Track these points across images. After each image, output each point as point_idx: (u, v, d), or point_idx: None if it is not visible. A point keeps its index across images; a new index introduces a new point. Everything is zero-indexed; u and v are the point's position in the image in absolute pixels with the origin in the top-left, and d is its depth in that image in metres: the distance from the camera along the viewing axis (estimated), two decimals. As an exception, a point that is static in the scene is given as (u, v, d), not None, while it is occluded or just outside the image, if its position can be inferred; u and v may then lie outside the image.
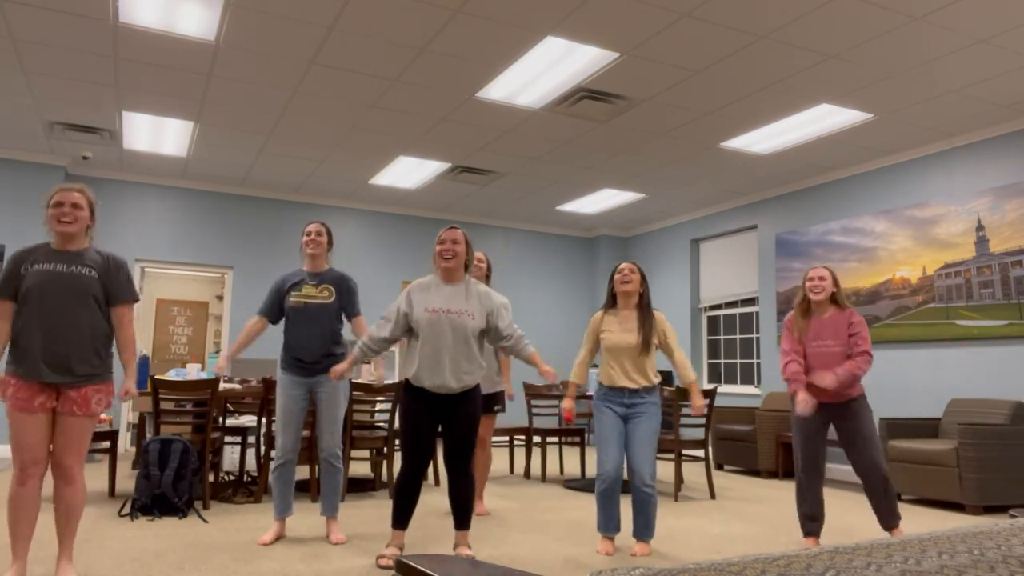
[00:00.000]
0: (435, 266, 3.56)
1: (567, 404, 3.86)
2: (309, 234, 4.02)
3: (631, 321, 3.81)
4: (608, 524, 3.77)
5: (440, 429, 3.51)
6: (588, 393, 6.22)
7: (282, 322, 4.05)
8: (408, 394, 3.48)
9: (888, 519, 3.79)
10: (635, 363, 3.77)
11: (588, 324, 4.01)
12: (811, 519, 3.90)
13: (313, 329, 3.89)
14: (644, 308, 3.86)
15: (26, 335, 2.86)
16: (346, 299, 4.02)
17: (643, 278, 3.90)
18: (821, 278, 3.90)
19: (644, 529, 3.74)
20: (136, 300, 3.09)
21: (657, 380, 3.82)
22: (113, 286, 3.02)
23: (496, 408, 4.68)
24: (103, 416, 5.80)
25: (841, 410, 3.86)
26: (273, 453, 3.90)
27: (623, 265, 3.91)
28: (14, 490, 2.87)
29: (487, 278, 4.78)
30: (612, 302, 3.93)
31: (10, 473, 5.86)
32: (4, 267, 2.92)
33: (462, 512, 3.49)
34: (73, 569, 2.98)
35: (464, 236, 3.56)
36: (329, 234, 4.10)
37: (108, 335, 3.03)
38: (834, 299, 3.92)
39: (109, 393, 3.03)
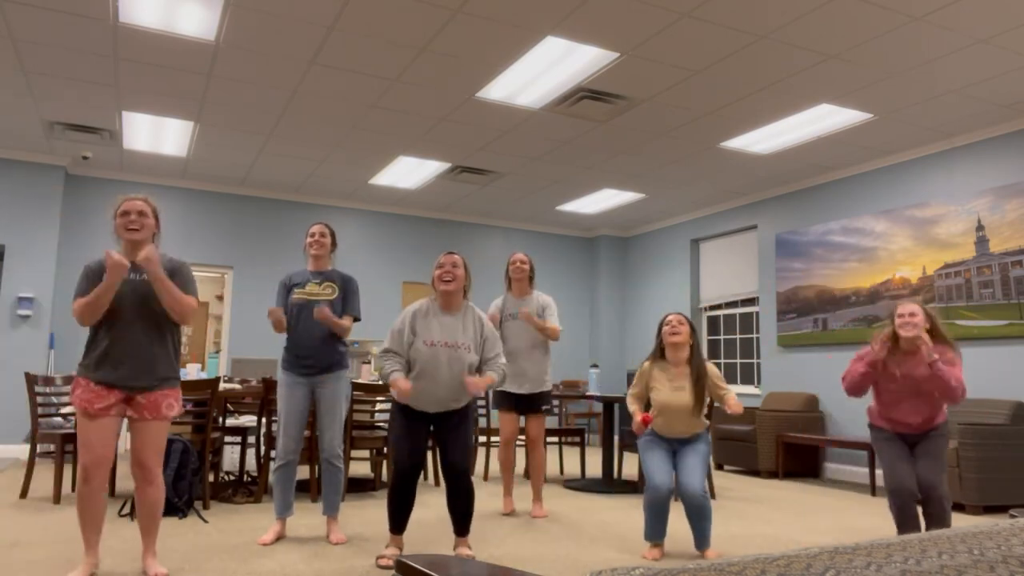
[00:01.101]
0: (434, 290, 3.55)
1: (644, 416, 3.74)
2: (313, 235, 4.02)
3: (682, 379, 3.75)
4: (656, 532, 3.71)
5: (436, 441, 3.56)
6: (589, 393, 6.21)
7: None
8: (397, 409, 3.51)
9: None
10: (687, 420, 3.74)
11: (637, 373, 3.92)
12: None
13: (314, 327, 3.86)
14: (696, 363, 3.78)
15: (99, 341, 3.01)
16: (349, 298, 4.01)
17: (692, 329, 3.83)
18: (912, 314, 3.57)
19: (703, 539, 3.67)
20: (195, 297, 3.20)
21: (707, 425, 3.83)
22: (180, 286, 3.14)
23: (544, 408, 4.71)
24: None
25: (920, 439, 3.70)
26: (274, 453, 3.90)
27: (671, 317, 3.82)
28: (79, 488, 3.01)
29: (530, 280, 4.85)
30: (660, 353, 3.86)
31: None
32: (81, 278, 3.06)
33: (461, 520, 3.49)
34: (158, 563, 3.10)
35: (463, 261, 3.56)
36: (333, 235, 4.09)
37: (175, 341, 3.19)
38: (933, 334, 3.59)
39: (178, 398, 3.17)
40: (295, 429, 3.85)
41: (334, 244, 4.10)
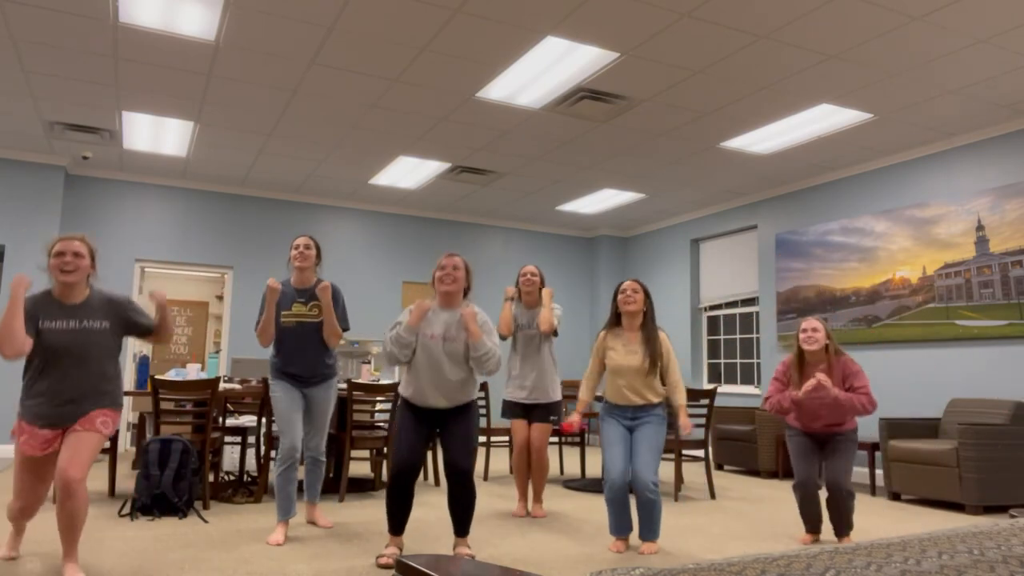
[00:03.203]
0: (434, 291, 3.62)
1: (575, 419, 3.95)
2: (298, 247, 4.00)
3: (635, 343, 3.84)
4: (620, 527, 3.82)
5: (439, 441, 3.59)
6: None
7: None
8: (404, 406, 3.59)
9: (840, 528, 4.03)
10: (640, 382, 3.80)
11: (593, 343, 4.03)
12: (812, 520, 4.13)
13: (306, 347, 3.99)
14: (648, 328, 3.86)
15: (39, 388, 3.04)
16: (337, 311, 4.04)
17: (647, 296, 3.89)
18: (815, 329, 4.03)
19: (649, 531, 3.78)
20: (151, 326, 3.25)
21: (662, 395, 3.85)
22: (130, 323, 3.19)
23: (552, 419, 4.77)
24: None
25: (829, 439, 4.07)
26: (275, 454, 3.93)
27: (626, 284, 3.90)
28: (15, 515, 3.13)
29: (540, 291, 4.86)
30: (616, 320, 3.94)
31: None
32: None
33: (461, 520, 3.50)
34: (79, 569, 3.03)
35: (464, 263, 3.63)
36: (318, 247, 4.09)
37: (116, 363, 3.20)
38: (827, 350, 4.04)
39: (116, 420, 3.16)
40: (295, 430, 3.91)
41: (319, 257, 4.08)
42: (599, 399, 4.19)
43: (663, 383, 3.84)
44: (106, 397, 3.12)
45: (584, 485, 5.92)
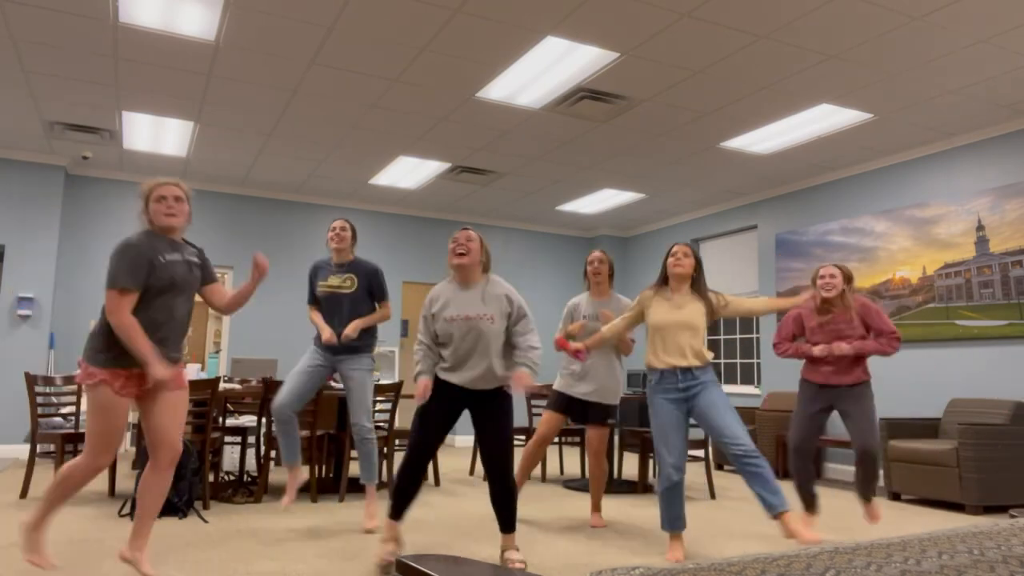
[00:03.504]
0: (450, 268, 3.48)
1: (579, 345, 3.80)
2: (334, 229, 4.29)
3: (682, 299, 3.64)
4: (675, 522, 3.58)
5: (474, 433, 3.52)
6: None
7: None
8: (435, 386, 3.41)
9: (864, 489, 4.01)
10: (686, 340, 3.55)
11: (636, 299, 3.81)
12: (808, 495, 4.15)
13: (336, 315, 4.24)
14: (698, 287, 3.68)
15: (142, 321, 2.87)
16: (373, 286, 4.32)
17: (698, 262, 3.70)
18: (832, 276, 4.02)
19: (776, 498, 3.33)
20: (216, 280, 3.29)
21: (711, 357, 3.62)
22: (207, 272, 3.20)
23: (609, 420, 4.43)
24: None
25: (845, 392, 4.03)
26: (275, 453, 4.02)
27: (676, 248, 3.69)
28: (91, 474, 2.90)
29: (610, 279, 4.51)
30: (664, 282, 3.73)
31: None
32: (127, 258, 2.85)
33: (503, 516, 3.39)
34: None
35: (479, 236, 3.48)
36: (353, 229, 4.38)
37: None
38: (843, 296, 4.04)
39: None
40: (290, 389, 4.15)
41: (354, 238, 4.39)
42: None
43: (754, 310, 3.64)
44: (183, 352, 3.09)
45: (584, 485, 5.91)
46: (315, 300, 4.36)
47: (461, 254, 3.40)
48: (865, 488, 4.01)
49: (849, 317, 4.03)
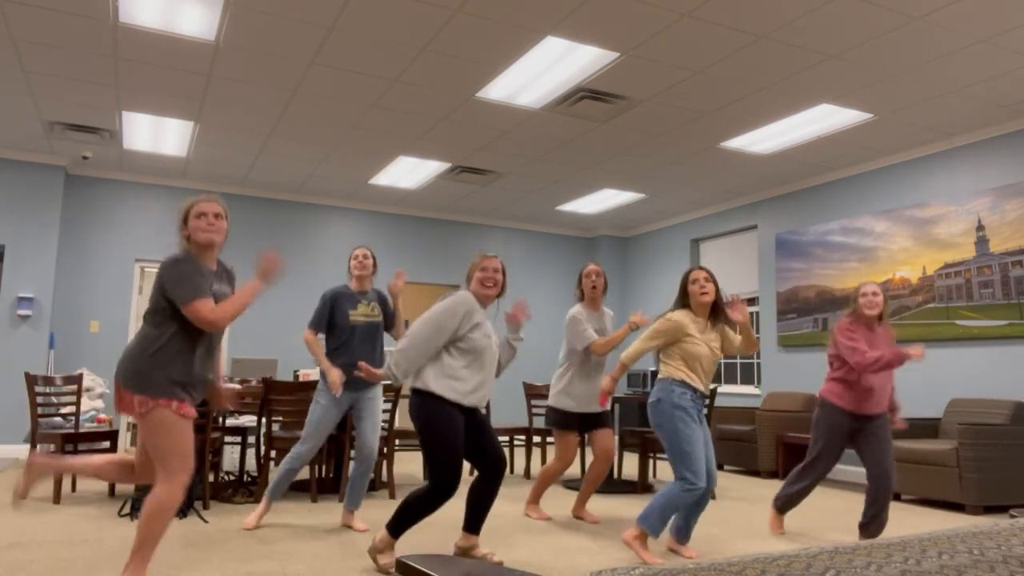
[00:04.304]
0: (475, 291, 3.44)
1: (608, 386, 3.83)
2: (357, 257, 4.29)
3: (709, 332, 3.72)
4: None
5: (474, 444, 3.44)
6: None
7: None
8: (444, 410, 3.28)
9: (878, 528, 3.93)
10: (711, 370, 3.73)
11: (666, 323, 3.66)
12: (792, 506, 4.23)
13: (368, 346, 4.21)
14: (718, 317, 3.75)
15: (187, 352, 2.84)
16: (387, 313, 4.34)
17: (717, 287, 3.75)
18: (875, 293, 3.96)
19: (688, 532, 3.79)
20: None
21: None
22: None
23: (609, 424, 4.65)
24: (102, 416, 5.80)
25: (874, 423, 3.94)
26: (292, 450, 4.10)
27: (696, 274, 3.71)
28: (185, 484, 2.83)
29: (603, 291, 4.65)
30: (683, 304, 3.75)
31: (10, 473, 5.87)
32: (192, 266, 2.87)
33: (482, 515, 3.44)
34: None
35: (503, 266, 3.50)
36: (374, 258, 4.37)
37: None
38: (880, 317, 4.00)
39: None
40: (318, 439, 4.10)
41: (375, 267, 4.37)
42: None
43: (745, 343, 3.78)
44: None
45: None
46: (321, 326, 4.20)
47: (490, 287, 3.42)
48: (877, 527, 3.91)
49: (889, 335, 4.01)
